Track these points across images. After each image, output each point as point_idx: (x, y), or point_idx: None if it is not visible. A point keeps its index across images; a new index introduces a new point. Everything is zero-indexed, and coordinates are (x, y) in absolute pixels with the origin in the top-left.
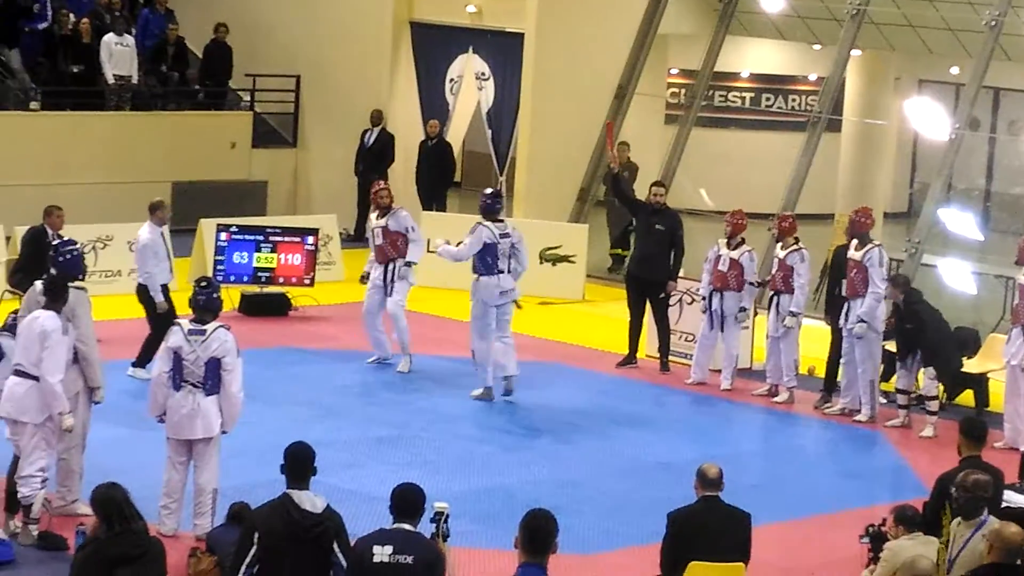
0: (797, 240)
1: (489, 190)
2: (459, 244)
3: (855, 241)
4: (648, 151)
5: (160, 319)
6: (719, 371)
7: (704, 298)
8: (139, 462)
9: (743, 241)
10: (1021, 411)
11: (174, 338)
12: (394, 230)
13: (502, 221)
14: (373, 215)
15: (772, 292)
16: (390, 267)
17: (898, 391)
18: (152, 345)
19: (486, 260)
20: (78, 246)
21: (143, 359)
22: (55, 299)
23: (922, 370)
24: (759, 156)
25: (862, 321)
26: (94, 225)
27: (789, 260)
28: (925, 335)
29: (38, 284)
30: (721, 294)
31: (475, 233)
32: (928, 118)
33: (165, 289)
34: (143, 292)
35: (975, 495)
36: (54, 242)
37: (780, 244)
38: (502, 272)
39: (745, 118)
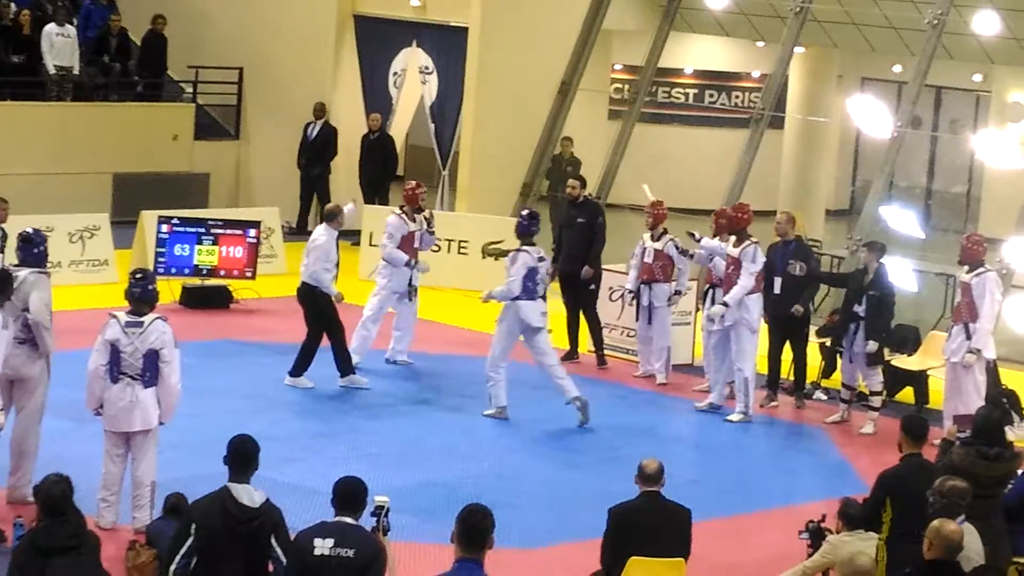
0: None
1: (526, 211)
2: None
3: (733, 238)
4: (591, 146)
5: (318, 326)
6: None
7: (631, 292)
8: (78, 455)
9: (665, 231)
10: (960, 408)
11: (111, 331)
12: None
13: (535, 244)
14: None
15: (708, 286)
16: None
17: (843, 386)
18: (309, 352)
19: (526, 285)
20: (44, 239)
21: (300, 367)
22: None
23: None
24: (702, 152)
25: (724, 304)
26: (35, 216)
27: (741, 256)
28: (883, 305)
29: None
30: (650, 286)
31: (517, 261)
32: (870, 116)
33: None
34: (306, 292)
35: (951, 500)
36: (29, 233)
37: (732, 240)
38: (543, 297)
39: (688, 114)
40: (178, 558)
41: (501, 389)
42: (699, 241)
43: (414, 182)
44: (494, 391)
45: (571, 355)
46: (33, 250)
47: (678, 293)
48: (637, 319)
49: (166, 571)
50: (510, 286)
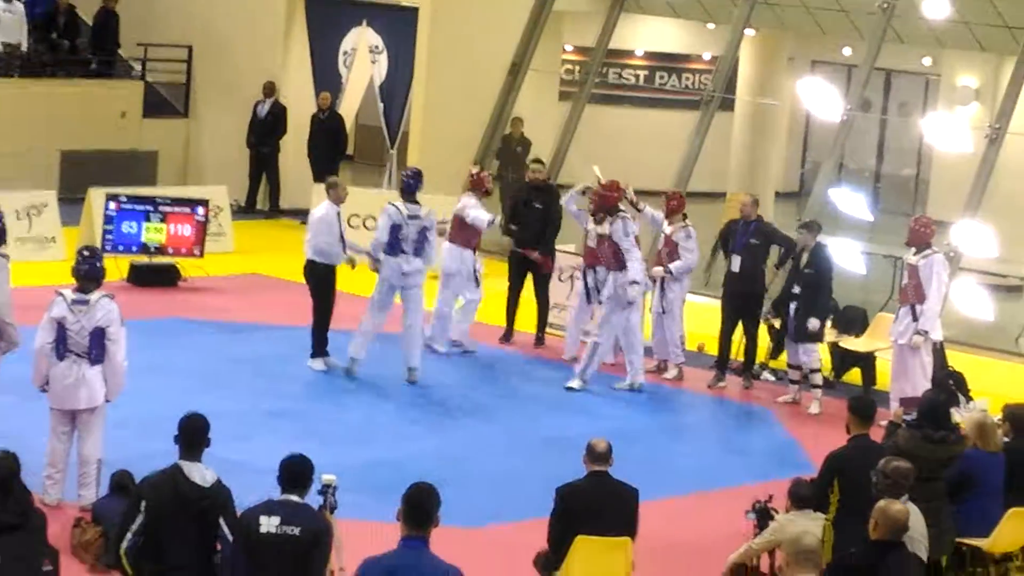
0: (685, 217)
1: (411, 169)
2: None
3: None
4: (542, 127)
5: (324, 303)
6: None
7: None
8: (23, 431)
9: (607, 216)
10: (907, 389)
11: (57, 308)
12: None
13: (417, 203)
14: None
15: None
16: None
17: (790, 367)
18: (321, 330)
19: (390, 241)
20: (1, 215)
21: (320, 347)
22: None
23: (799, 347)
24: (652, 134)
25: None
26: None
27: (675, 237)
28: (821, 283)
29: None
30: (594, 270)
31: (383, 216)
32: (820, 99)
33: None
34: (309, 268)
35: (895, 481)
36: None
37: (667, 221)
38: (406, 252)
39: (639, 96)
40: (129, 535)
41: (359, 340)
42: (641, 211)
43: (478, 167)
44: (356, 338)
45: (507, 336)
46: None
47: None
48: (587, 303)
49: (116, 548)
50: (375, 239)
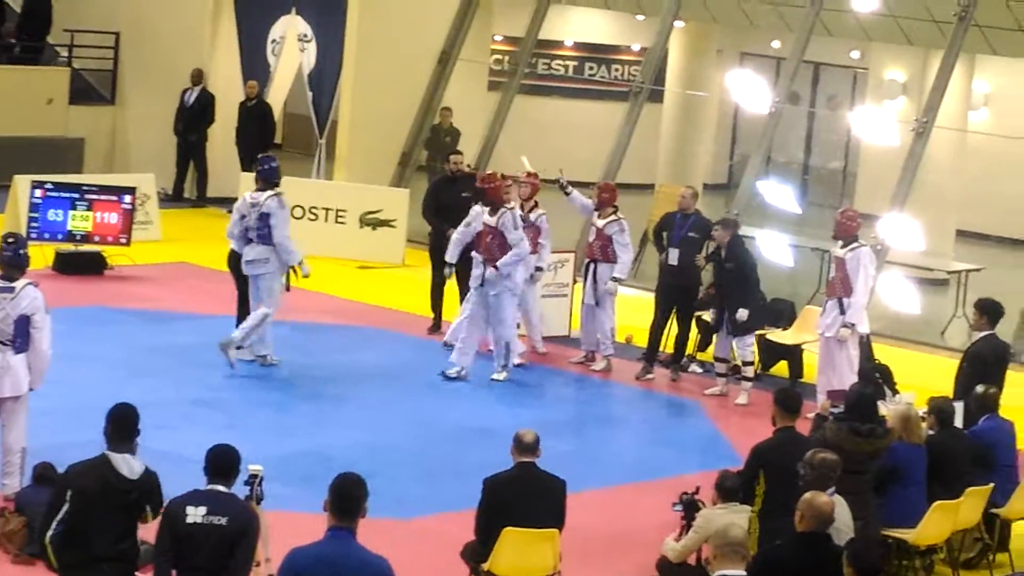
0: (616, 209)
1: (264, 155)
2: None
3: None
4: (471, 117)
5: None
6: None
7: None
8: None
9: (536, 204)
10: (834, 382)
11: None
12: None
13: (267, 190)
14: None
15: (589, 260)
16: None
17: (716, 359)
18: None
19: (240, 230)
20: None
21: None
22: None
23: (734, 340)
24: (582, 125)
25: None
26: None
27: (608, 230)
28: (744, 275)
29: None
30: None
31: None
32: (749, 91)
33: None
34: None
35: (821, 472)
36: None
37: (598, 213)
38: (251, 241)
39: (568, 86)
40: (54, 524)
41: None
42: (569, 195)
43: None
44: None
45: (436, 326)
46: None
47: (539, 269)
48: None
49: (42, 538)
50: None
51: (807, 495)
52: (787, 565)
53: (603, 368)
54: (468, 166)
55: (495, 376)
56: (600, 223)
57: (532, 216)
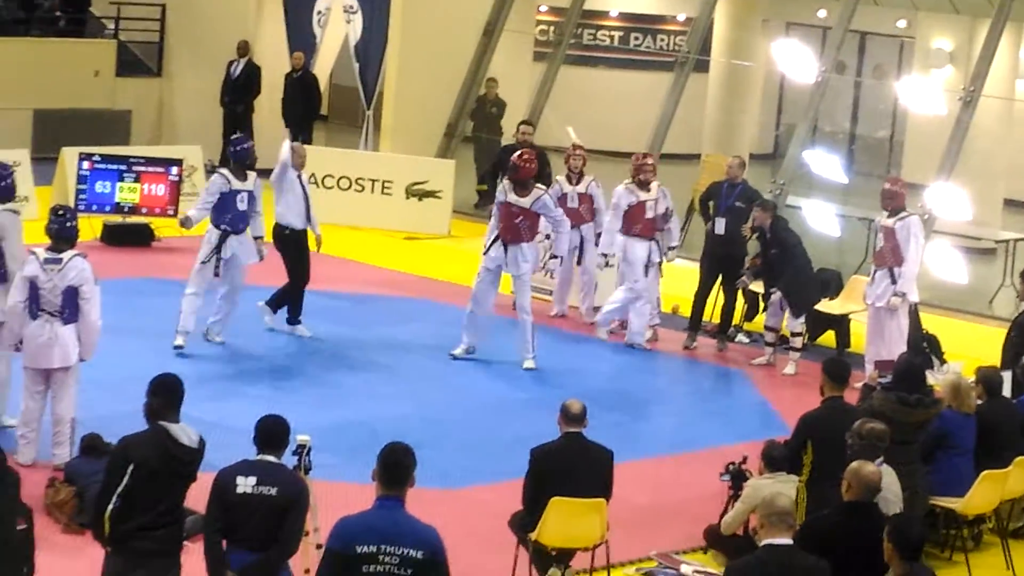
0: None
1: (236, 137)
2: None
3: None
4: (516, 89)
5: (297, 268)
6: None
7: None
8: None
9: (583, 174)
10: (883, 352)
11: (30, 267)
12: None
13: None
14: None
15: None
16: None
17: (766, 328)
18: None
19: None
20: (11, 172)
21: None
22: None
23: (787, 311)
24: (627, 95)
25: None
26: None
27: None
28: (790, 260)
29: None
30: (579, 229)
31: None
32: (795, 60)
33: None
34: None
35: (870, 442)
36: None
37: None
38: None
39: (613, 57)
40: (115, 498)
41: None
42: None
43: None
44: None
45: None
46: (1, 183)
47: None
48: (561, 261)
49: (100, 512)
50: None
51: (854, 464)
52: (834, 534)
53: (649, 338)
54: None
55: (526, 365)
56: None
57: (582, 186)
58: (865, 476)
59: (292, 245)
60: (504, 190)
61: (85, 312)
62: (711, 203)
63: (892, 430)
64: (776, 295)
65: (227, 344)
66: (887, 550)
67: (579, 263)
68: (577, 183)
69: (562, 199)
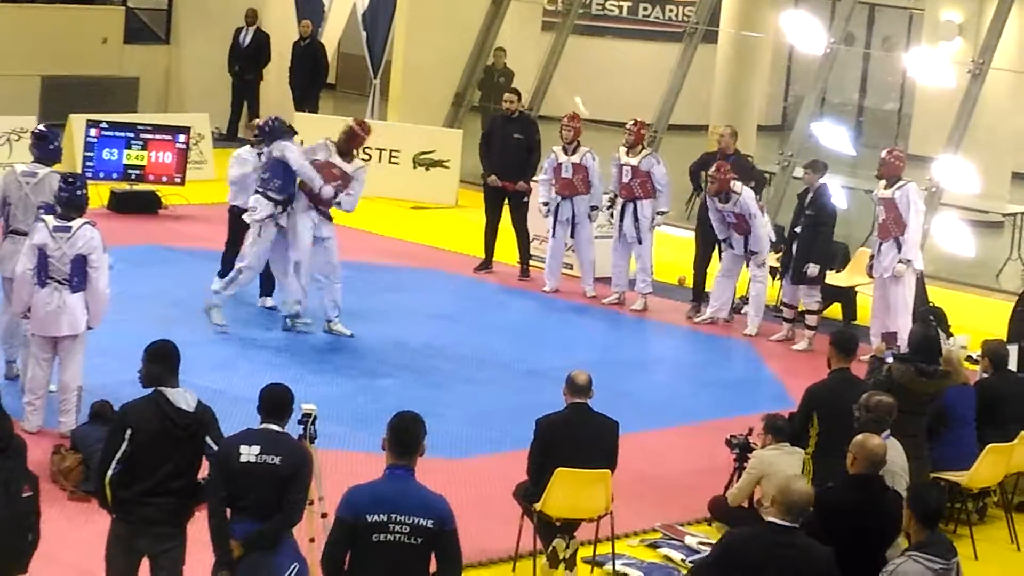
0: (644, 146)
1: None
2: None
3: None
4: (524, 58)
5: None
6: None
7: (546, 205)
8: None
9: (579, 145)
10: (888, 324)
11: (39, 235)
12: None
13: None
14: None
15: (626, 199)
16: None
17: (784, 305)
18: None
19: None
20: (59, 135)
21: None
22: None
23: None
24: (635, 65)
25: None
26: None
27: (644, 165)
28: (820, 224)
29: None
30: (571, 200)
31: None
32: (804, 32)
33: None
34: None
35: (877, 415)
36: (43, 130)
37: (629, 151)
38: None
39: (622, 27)
40: (113, 464)
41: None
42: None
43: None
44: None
45: (486, 264)
46: (48, 146)
47: (595, 209)
48: (553, 234)
49: (101, 478)
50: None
51: (859, 437)
52: (839, 507)
53: (641, 308)
54: (523, 108)
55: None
56: (634, 161)
57: (576, 157)
58: (871, 449)
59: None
60: (329, 150)
61: (94, 280)
62: (703, 173)
63: (908, 400)
64: (814, 268)
65: (232, 312)
66: (906, 517)
67: (572, 236)
68: (572, 154)
69: (556, 169)
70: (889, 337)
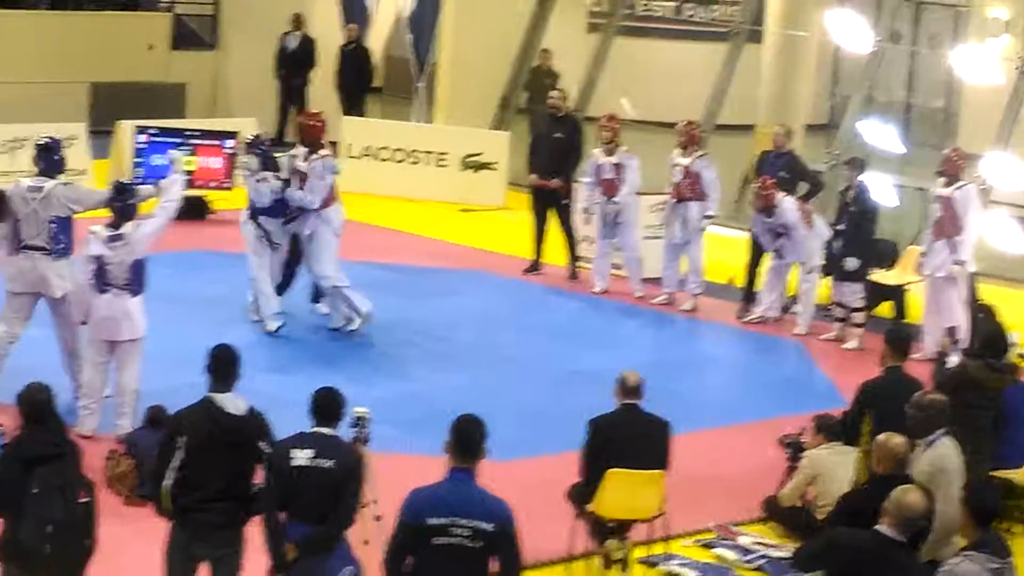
0: (698, 147)
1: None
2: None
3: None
4: (570, 59)
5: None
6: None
7: (586, 211)
8: (51, 362)
9: (618, 146)
10: (942, 323)
11: (95, 246)
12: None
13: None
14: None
15: (677, 199)
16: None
17: (834, 304)
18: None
19: None
20: (61, 147)
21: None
22: None
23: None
24: (681, 66)
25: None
26: (10, 125)
27: (695, 167)
28: (864, 219)
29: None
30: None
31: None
32: (850, 31)
33: None
34: None
35: (929, 415)
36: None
37: (682, 151)
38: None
39: (668, 27)
40: (169, 472)
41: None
42: None
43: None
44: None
45: (535, 266)
46: (53, 157)
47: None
48: (605, 236)
49: (157, 488)
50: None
51: (880, 436)
52: (867, 508)
53: (691, 308)
54: (569, 108)
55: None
56: (685, 161)
57: (616, 157)
58: (891, 448)
59: None
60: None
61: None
62: (760, 172)
63: (978, 395)
64: (853, 262)
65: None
66: (962, 516)
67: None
68: (611, 155)
69: (597, 170)
70: (950, 332)
